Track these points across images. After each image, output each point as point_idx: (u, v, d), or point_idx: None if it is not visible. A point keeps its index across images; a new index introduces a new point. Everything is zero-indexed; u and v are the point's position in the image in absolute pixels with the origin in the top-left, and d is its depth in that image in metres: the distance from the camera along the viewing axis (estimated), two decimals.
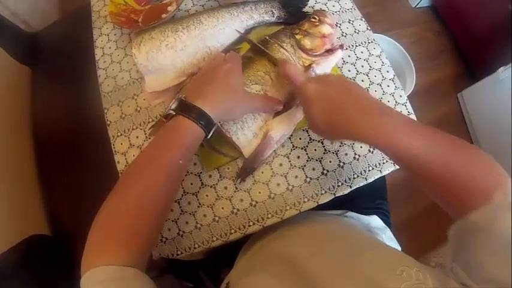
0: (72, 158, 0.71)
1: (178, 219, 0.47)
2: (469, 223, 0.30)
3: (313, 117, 0.38)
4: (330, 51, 0.47)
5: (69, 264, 0.58)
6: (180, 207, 0.47)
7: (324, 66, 0.46)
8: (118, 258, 0.31)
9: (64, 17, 1.02)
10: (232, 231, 0.46)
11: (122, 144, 0.50)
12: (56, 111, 0.74)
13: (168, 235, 0.46)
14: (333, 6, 0.60)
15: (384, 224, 0.62)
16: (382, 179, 0.60)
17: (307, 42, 0.46)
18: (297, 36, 0.47)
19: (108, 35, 0.57)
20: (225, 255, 0.56)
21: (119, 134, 0.51)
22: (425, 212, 0.96)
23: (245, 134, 0.46)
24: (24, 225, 0.61)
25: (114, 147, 0.50)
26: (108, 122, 0.52)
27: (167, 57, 0.48)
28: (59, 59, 0.75)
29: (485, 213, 0.29)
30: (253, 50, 0.48)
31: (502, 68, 0.95)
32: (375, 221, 0.62)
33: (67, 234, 0.62)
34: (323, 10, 0.52)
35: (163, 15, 0.50)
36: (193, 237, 0.46)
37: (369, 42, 0.58)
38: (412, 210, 0.97)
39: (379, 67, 0.56)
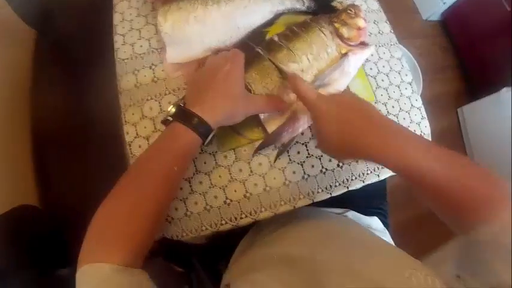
0: (71, 131, 0.67)
1: (187, 198, 0.44)
2: (477, 236, 0.30)
3: (325, 136, 0.37)
4: (364, 44, 0.47)
5: (60, 235, 0.55)
6: (190, 186, 0.45)
7: (358, 57, 0.46)
8: (113, 258, 0.31)
9: None
10: (243, 215, 0.44)
11: (133, 114, 0.48)
12: (59, 82, 0.69)
13: (174, 215, 0.44)
14: (360, 5, 0.61)
15: (383, 227, 0.62)
16: (383, 179, 0.61)
17: (344, 31, 0.46)
18: (336, 25, 0.47)
19: (129, 1, 0.54)
20: (224, 246, 0.54)
21: (131, 103, 0.48)
22: (422, 217, 0.97)
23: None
24: (14, 195, 0.57)
25: (124, 117, 0.48)
26: (121, 90, 0.49)
27: (194, 29, 0.47)
28: (70, 27, 0.71)
29: (492, 231, 0.30)
30: (291, 30, 0.47)
31: (505, 88, 1.00)
32: (375, 222, 0.62)
33: (58, 206, 0.58)
34: (357, 5, 0.52)
35: None
36: (201, 218, 0.44)
37: (391, 45, 0.59)
38: (409, 214, 0.99)
39: (399, 69, 0.57)
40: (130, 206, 0.34)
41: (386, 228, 0.63)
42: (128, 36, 0.52)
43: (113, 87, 0.54)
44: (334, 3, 0.58)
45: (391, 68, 0.57)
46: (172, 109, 0.38)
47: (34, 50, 0.72)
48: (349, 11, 0.50)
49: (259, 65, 0.45)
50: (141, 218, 0.35)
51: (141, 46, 0.51)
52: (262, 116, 0.44)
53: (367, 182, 0.48)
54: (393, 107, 0.54)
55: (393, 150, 0.33)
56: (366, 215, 0.61)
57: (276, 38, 0.47)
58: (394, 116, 0.53)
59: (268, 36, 0.51)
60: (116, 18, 0.53)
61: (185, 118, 0.36)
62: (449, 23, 1.51)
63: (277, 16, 0.54)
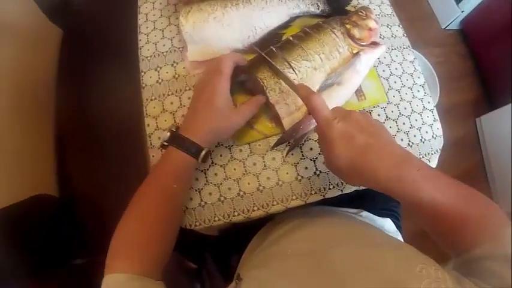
0: (92, 126, 0.70)
1: (202, 189, 0.46)
2: (475, 256, 0.32)
3: (334, 156, 0.35)
4: (375, 43, 0.48)
5: (76, 225, 0.57)
6: (206, 177, 0.47)
7: (369, 56, 0.48)
8: (128, 268, 0.36)
9: None
10: (256, 208, 0.45)
11: (154, 107, 0.50)
12: (82, 78, 0.74)
13: (189, 204, 0.46)
14: (374, 9, 0.62)
15: (396, 229, 0.62)
16: None
17: (356, 32, 0.48)
18: (347, 26, 0.48)
19: (153, 3, 0.58)
20: (237, 241, 0.56)
21: (153, 97, 0.51)
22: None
23: (287, 105, 0.46)
24: (34, 184, 0.60)
25: (146, 110, 0.50)
26: (144, 85, 0.52)
27: (213, 29, 0.49)
28: (94, 25, 0.75)
29: (491, 250, 0.32)
30: (304, 31, 0.49)
31: None
32: (388, 224, 0.62)
33: (76, 197, 0.61)
34: (368, 7, 0.54)
35: None
36: (214, 209, 0.45)
37: (404, 48, 0.59)
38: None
39: (411, 72, 0.58)
40: (139, 222, 0.39)
41: (399, 231, 0.63)
42: (152, 35, 0.55)
43: (133, 84, 0.57)
44: (347, 8, 0.60)
45: (403, 71, 0.57)
46: (167, 134, 0.42)
47: (60, 48, 0.76)
48: (360, 13, 0.51)
49: (302, 44, 0.47)
50: (150, 232, 0.39)
51: (164, 45, 0.54)
52: (281, 114, 0.45)
53: None
54: (405, 108, 0.55)
55: (404, 181, 0.33)
56: (379, 216, 0.61)
57: (291, 38, 0.49)
58: (406, 117, 0.54)
59: (283, 38, 0.54)
60: (141, 18, 0.57)
61: (178, 142, 0.41)
62: (467, 32, 1.50)
63: (293, 19, 0.56)
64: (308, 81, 0.47)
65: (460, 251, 0.34)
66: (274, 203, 0.46)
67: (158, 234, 0.40)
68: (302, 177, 0.47)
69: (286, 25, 0.55)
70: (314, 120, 0.46)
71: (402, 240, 0.60)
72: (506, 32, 1.24)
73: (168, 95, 0.51)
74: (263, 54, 0.46)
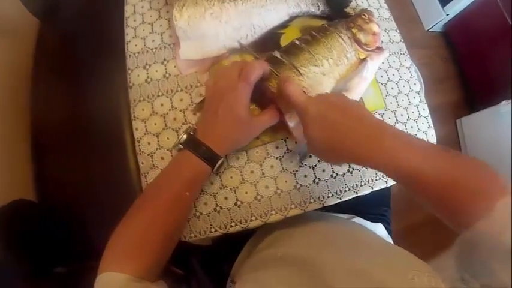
0: (73, 127, 0.64)
1: (197, 199, 0.43)
2: (474, 233, 0.29)
3: (311, 138, 0.36)
4: (380, 49, 0.47)
5: (58, 231, 0.53)
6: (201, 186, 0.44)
7: (375, 62, 0.47)
8: (128, 269, 0.34)
9: None
10: (254, 218, 0.43)
11: (143, 110, 0.46)
12: (61, 75, 0.66)
13: None
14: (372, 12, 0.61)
15: (387, 234, 0.63)
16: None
17: (362, 37, 0.46)
18: (353, 30, 0.47)
19: None
20: (230, 250, 0.54)
21: (141, 98, 0.47)
22: (425, 221, 0.98)
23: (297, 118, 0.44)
24: (12, 190, 0.55)
25: (133, 112, 0.46)
26: (131, 85, 0.47)
27: (210, 26, 0.46)
28: (75, 17, 0.68)
29: (489, 223, 0.28)
30: (310, 35, 0.47)
31: (504, 101, 1.02)
32: (380, 229, 0.62)
33: (57, 202, 0.56)
34: (369, 10, 0.53)
35: None
36: (210, 220, 0.43)
37: (401, 54, 0.59)
38: (412, 219, 1.00)
39: (408, 78, 0.57)
40: (145, 225, 0.37)
41: (390, 235, 0.63)
42: (140, 29, 0.50)
43: (118, 84, 0.52)
44: (346, 10, 0.59)
45: (400, 77, 0.57)
46: (183, 137, 0.39)
47: (36, 40, 0.69)
48: (363, 16, 0.50)
49: (310, 48, 0.45)
50: (154, 236, 0.37)
51: (153, 41, 0.50)
52: (291, 124, 0.43)
53: (376, 188, 0.49)
54: (402, 115, 0.54)
55: (381, 150, 0.32)
56: (371, 221, 0.61)
57: (297, 42, 0.47)
58: (403, 124, 0.54)
59: (282, 38, 0.51)
60: (128, 10, 0.52)
61: (194, 147, 0.39)
62: (451, 34, 1.54)
63: (292, 18, 0.53)
64: (317, 86, 0.45)
65: (460, 223, 0.31)
66: (273, 212, 0.44)
67: (163, 239, 0.38)
68: (301, 185, 0.45)
69: (285, 24, 0.52)
70: None
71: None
72: (489, 35, 1.29)
73: (158, 95, 0.47)
74: (254, 53, 0.43)
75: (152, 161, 0.44)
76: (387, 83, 0.56)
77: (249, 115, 0.40)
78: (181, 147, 0.39)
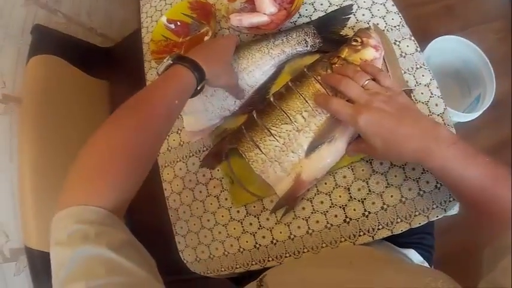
0: None
1: (210, 244, 0.54)
2: (499, 245, 0.31)
3: (370, 145, 0.40)
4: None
5: None
6: (212, 234, 0.54)
7: None
8: (96, 199, 0.29)
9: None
10: (253, 263, 0.51)
11: (168, 174, 0.59)
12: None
13: (201, 256, 0.54)
14: (378, 24, 0.53)
15: (422, 259, 0.58)
16: None
17: None
18: (336, 67, 0.44)
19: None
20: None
21: (166, 164, 0.60)
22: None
23: (275, 172, 0.47)
24: None
25: (162, 176, 0.60)
26: (158, 153, 0.61)
27: (199, 102, 0.53)
28: (134, 71, 0.84)
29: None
30: (286, 87, 0.48)
31: None
32: (412, 254, 0.58)
33: None
34: (367, 29, 0.47)
35: None
36: (220, 261, 0.53)
37: (416, 68, 0.50)
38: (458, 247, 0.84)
39: (426, 99, 0.49)
40: (130, 131, 0.34)
41: (428, 262, 0.59)
42: None
43: None
44: (344, 31, 0.54)
45: (416, 99, 0.49)
46: (169, 59, 0.42)
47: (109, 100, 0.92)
48: (353, 43, 0.46)
49: (281, 104, 0.48)
50: (136, 148, 0.34)
51: None
52: (270, 182, 0.47)
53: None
54: None
55: (436, 152, 0.35)
56: (400, 247, 0.58)
57: (271, 99, 0.49)
58: None
59: (271, 91, 0.53)
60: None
61: (183, 60, 0.41)
62: None
63: (281, 67, 0.54)
64: (292, 145, 0.47)
65: (489, 238, 0.33)
66: (270, 259, 0.50)
67: (143, 156, 0.36)
68: (295, 236, 0.49)
69: (275, 76, 0.54)
70: (307, 184, 0.47)
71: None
72: None
73: (177, 161, 0.59)
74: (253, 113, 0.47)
75: (178, 214, 0.57)
76: None
77: (230, 63, 0.50)
78: (171, 62, 0.42)
